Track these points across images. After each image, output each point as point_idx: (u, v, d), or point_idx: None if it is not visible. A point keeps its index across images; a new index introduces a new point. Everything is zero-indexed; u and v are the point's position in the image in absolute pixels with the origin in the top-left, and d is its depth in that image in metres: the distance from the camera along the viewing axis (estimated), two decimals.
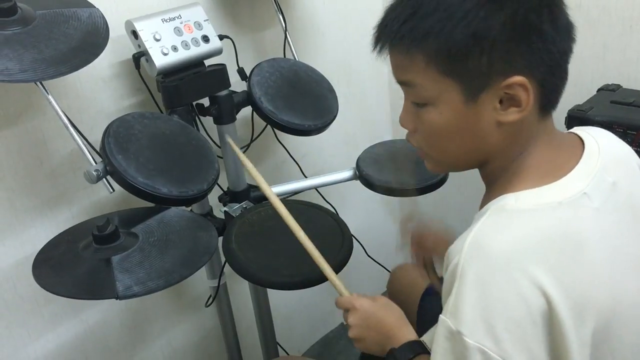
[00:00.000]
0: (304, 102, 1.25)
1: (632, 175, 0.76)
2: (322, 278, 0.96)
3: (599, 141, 0.74)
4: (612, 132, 0.79)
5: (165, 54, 1.07)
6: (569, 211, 0.66)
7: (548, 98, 0.69)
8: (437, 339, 0.65)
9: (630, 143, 1.15)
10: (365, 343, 0.84)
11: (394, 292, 1.35)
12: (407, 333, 0.81)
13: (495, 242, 0.63)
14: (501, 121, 0.68)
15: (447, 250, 0.68)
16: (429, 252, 1.05)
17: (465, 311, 0.62)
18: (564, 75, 0.69)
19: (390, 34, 0.68)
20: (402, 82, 0.71)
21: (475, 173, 0.78)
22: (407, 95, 0.73)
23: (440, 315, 0.65)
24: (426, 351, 0.77)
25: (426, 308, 1.19)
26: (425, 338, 0.80)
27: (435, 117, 0.69)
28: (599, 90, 1.33)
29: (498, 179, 0.73)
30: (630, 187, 0.73)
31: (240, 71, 1.25)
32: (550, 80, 0.68)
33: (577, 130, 0.77)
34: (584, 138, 0.74)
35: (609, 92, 1.31)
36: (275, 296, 1.43)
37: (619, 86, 1.33)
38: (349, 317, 0.85)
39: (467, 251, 0.63)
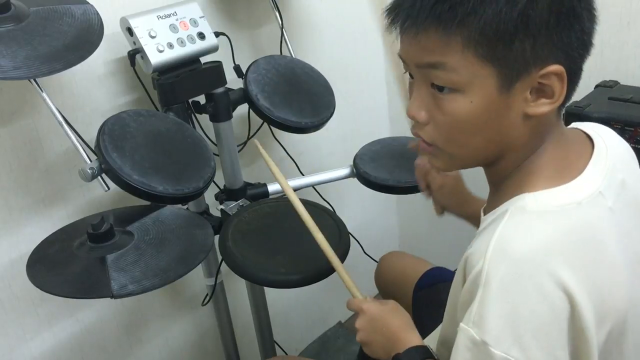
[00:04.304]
0: (301, 99, 1.25)
1: (636, 174, 0.75)
2: (319, 276, 0.95)
3: (605, 139, 0.72)
4: (610, 128, 0.79)
5: (160, 51, 1.06)
6: (588, 212, 0.64)
7: (570, 91, 0.65)
8: (457, 349, 0.62)
9: (627, 140, 1.15)
10: (372, 347, 0.83)
11: (382, 284, 1.32)
12: (413, 337, 0.79)
13: (520, 246, 0.60)
14: (529, 113, 0.63)
15: (466, 255, 0.65)
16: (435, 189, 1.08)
17: (490, 320, 0.59)
18: (582, 70, 0.66)
19: (422, 14, 0.61)
20: (429, 65, 0.63)
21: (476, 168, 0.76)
22: (428, 79, 0.65)
23: (461, 324, 0.62)
24: (432, 356, 0.76)
25: (421, 303, 1.18)
26: (427, 341, 0.79)
27: (463, 106, 0.63)
28: (596, 86, 1.33)
29: (508, 178, 0.69)
30: (636, 184, 0.72)
31: (237, 68, 1.24)
32: (578, 72, 0.65)
33: (580, 126, 0.75)
34: (591, 136, 0.72)
35: (607, 89, 1.30)
36: (272, 294, 1.43)
37: (616, 83, 1.33)
38: (357, 320, 0.84)
39: (491, 256, 0.60)
